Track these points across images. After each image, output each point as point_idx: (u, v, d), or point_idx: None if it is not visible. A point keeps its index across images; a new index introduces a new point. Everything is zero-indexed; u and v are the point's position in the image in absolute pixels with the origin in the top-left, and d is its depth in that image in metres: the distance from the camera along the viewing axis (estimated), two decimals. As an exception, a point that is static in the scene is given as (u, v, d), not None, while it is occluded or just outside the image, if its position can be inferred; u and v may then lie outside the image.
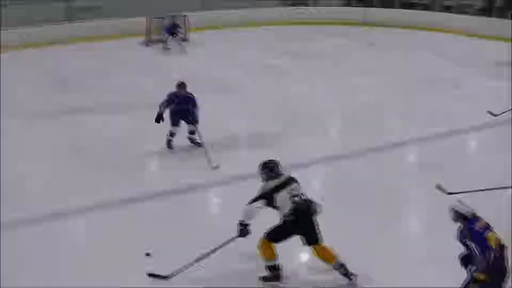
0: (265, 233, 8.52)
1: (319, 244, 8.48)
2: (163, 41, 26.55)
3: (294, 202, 8.31)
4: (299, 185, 8.59)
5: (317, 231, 8.43)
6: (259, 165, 8.76)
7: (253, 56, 24.36)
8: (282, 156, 12.85)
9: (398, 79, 19.13)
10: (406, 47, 25.71)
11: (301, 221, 8.34)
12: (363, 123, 15.61)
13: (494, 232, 7.54)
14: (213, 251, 8.67)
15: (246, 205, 8.36)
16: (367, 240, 9.61)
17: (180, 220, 10.56)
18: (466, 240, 7.47)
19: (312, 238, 8.46)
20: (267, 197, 8.36)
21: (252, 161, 12.99)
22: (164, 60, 24.71)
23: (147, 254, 9.27)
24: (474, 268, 7.41)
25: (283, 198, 8.33)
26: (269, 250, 8.53)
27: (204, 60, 24.19)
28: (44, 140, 14.92)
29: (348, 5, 34.82)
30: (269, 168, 8.66)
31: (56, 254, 9.48)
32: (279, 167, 8.72)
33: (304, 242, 8.49)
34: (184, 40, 27.78)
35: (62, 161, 13.36)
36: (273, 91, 18.61)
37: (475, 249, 7.39)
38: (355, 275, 8.53)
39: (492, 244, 7.40)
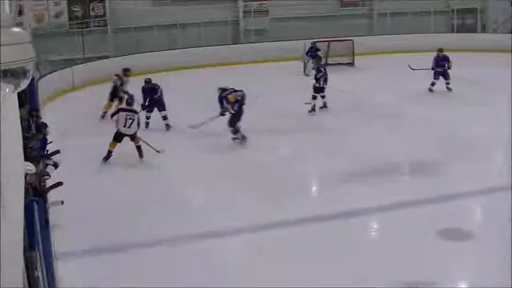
0: None
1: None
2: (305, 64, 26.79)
3: None
4: None
5: None
6: None
7: (416, 81, 24.02)
8: (442, 184, 12.89)
9: None
10: None
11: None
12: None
13: (235, 94, 16.29)
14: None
15: None
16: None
17: (334, 245, 10.46)
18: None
19: None
20: None
21: (410, 189, 13.03)
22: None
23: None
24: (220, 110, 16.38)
25: None
26: None
27: (367, 85, 24.16)
28: (203, 160, 15.47)
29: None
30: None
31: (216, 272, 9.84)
32: None
33: None
34: (351, 64, 28.08)
35: (222, 182, 13.73)
36: (434, 118, 18.16)
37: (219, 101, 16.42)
38: None
39: (231, 99, 16.14)
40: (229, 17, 32.33)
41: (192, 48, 29.14)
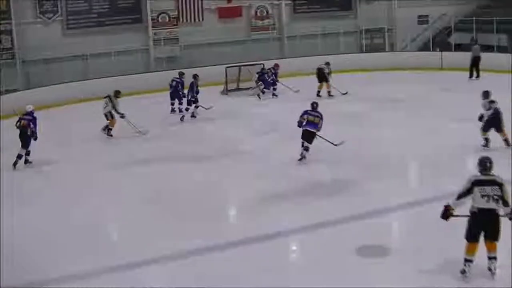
0: None
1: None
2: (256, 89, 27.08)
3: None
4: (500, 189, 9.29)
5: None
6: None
7: (328, 102, 24.30)
8: (358, 203, 13.05)
9: (475, 123, 18.30)
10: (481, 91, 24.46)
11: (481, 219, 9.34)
12: (441, 168, 15.22)
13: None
14: None
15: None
16: None
17: (259, 268, 10.38)
18: None
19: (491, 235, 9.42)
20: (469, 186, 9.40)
21: (328, 210, 13.06)
22: (242, 108, 25.08)
23: None
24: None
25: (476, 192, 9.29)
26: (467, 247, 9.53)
27: (281, 107, 24.27)
28: (123, 187, 15.26)
29: (424, 50, 34.78)
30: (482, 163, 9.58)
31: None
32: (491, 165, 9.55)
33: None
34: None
35: (146, 209, 13.49)
36: (350, 137, 18.22)
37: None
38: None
39: None
40: (140, 46, 32.31)
41: (103, 78, 28.72)
